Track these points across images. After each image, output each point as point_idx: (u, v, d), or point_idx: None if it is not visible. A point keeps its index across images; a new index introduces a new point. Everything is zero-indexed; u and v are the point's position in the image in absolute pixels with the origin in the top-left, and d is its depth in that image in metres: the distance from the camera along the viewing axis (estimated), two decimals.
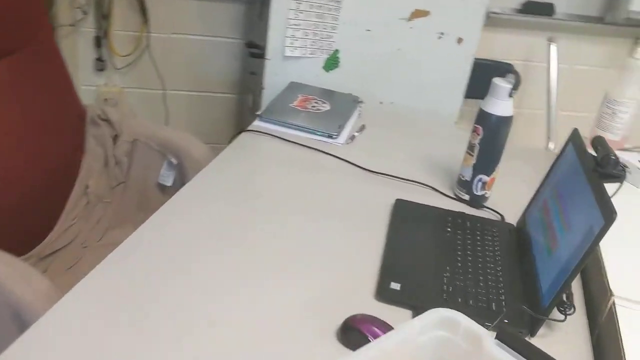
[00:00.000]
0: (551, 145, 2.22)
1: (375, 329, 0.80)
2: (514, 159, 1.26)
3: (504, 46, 2.28)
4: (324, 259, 0.99)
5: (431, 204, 1.17)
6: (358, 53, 1.72)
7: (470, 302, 0.91)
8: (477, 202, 1.21)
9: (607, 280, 0.93)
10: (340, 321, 0.85)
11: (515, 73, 1.12)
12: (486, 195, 1.21)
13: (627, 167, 1.05)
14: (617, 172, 0.87)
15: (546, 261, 0.93)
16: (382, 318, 0.85)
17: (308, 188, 1.18)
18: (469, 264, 1.00)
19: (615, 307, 0.88)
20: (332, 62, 1.72)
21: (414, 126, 1.56)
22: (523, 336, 0.87)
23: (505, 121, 1.14)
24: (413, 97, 1.81)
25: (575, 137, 1.04)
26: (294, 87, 1.60)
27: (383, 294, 0.91)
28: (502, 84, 1.13)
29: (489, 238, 1.08)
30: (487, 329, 0.81)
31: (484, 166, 1.18)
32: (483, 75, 1.89)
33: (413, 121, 1.63)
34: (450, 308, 0.90)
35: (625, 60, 1.33)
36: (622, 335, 0.82)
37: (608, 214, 0.79)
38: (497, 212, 1.18)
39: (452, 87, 1.83)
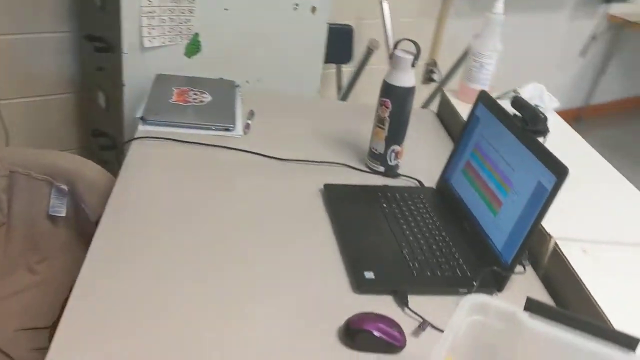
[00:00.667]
0: None
1: (380, 325, 0.81)
2: None
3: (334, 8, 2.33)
4: (285, 264, 0.95)
5: (351, 183, 1.18)
6: (218, 34, 1.65)
7: (438, 273, 0.95)
8: (392, 172, 1.24)
9: (542, 225, 1.03)
10: (334, 323, 0.84)
11: (414, 43, 1.16)
12: (399, 164, 1.25)
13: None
14: (544, 128, 0.96)
15: (493, 221, 1.00)
16: (371, 310, 0.86)
17: (229, 191, 1.12)
18: (418, 235, 1.04)
19: (560, 248, 0.98)
20: (193, 47, 1.63)
21: (290, 102, 1.54)
22: (490, 293, 0.94)
23: (411, 91, 1.18)
24: (277, 72, 1.79)
25: (484, 98, 1.11)
26: (163, 80, 1.48)
27: (362, 286, 0.91)
28: (404, 56, 1.16)
29: (421, 206, 1.13)
30: (463, 294, 0.87)
31: (396, 137, 1.22)
32: (329, 39, 1.93)
33: (284, 97, 1.61)
34: (423, 283, 0.94)
35: (485, 15, 1.44)
36: (576, 271, 0.92)
37: (560, 170, 0.87)
38: (414, 179, 1.24)
39: (312, 55, 1.84)
